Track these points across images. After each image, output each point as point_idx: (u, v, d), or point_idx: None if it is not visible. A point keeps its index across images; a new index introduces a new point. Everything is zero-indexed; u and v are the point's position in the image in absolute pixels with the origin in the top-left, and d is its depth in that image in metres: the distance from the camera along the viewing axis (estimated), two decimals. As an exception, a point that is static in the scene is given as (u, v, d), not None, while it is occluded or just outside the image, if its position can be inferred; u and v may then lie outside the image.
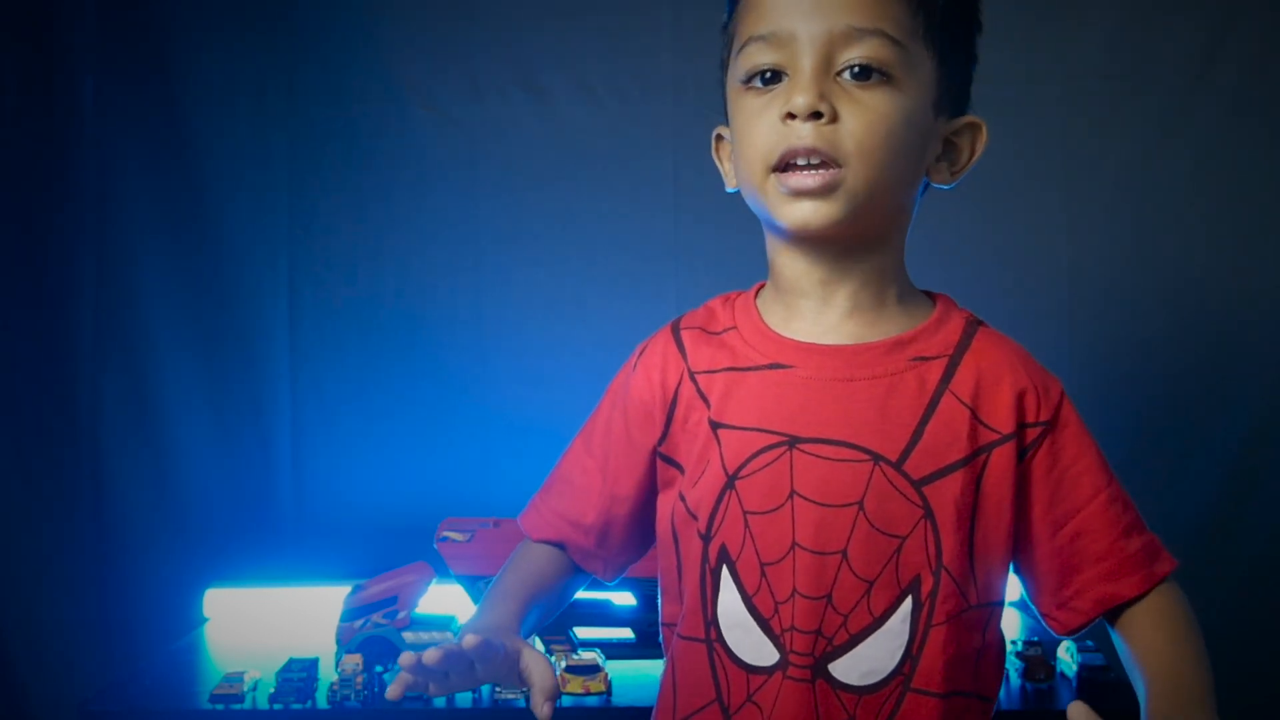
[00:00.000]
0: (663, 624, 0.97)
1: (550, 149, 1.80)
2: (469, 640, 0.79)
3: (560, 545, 1.00)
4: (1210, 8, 1.74)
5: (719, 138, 0.98)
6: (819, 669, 0.87)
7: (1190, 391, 1.75)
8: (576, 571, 1.01)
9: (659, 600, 0.98)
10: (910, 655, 0.87)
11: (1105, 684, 1.38)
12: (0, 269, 1.67)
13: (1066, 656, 1.43)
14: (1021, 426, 0.89)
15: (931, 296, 0.96)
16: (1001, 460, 0.89)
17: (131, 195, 1.79)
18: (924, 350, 0.90)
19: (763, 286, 0.97)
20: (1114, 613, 0.91)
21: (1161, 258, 1.76)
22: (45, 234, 1.74)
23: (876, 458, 0.87)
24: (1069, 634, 0.92)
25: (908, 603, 0.87)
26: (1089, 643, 1.44)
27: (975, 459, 0.88)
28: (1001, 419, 0.89)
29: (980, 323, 0.94)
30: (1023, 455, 0.89)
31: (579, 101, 1.80)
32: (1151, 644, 0.87)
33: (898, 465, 0.87)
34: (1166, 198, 1.76)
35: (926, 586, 0.87)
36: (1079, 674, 1.40)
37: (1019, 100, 1.74)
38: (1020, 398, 0.89)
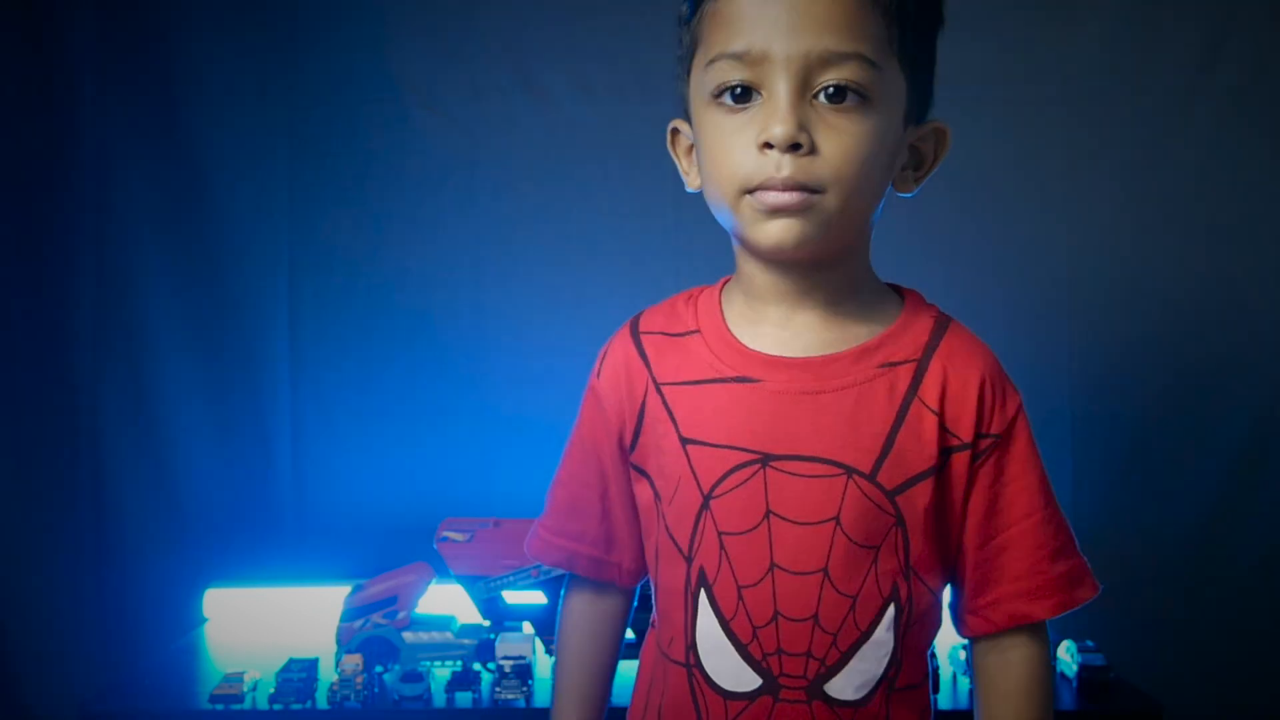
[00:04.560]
0: (652, 623, 0.97)
1: (550, 149, 1.80)
2: None
3: (570, 568, 1.00)
4: (1210, 8, 1.74)
5: (674, 132, 0.95)
6: (814, 690, 0.86)
7: (1190, 391, 1.75)
8: (618, 604, 1.01)
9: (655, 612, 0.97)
10: (895, 660, 0.88)
11: (1105, 684, 1.38)
12: (0, 269, 1.67)
13: (1066, 656, 1.43)
14: (978, 435, 0.88)
15: (900, 293, 0.94)
16: (960, 464, 0.88)
17: (131, 195, 1.79)
18: (891, 355, 0.89)
19: (728, 281, 0.95)
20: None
21: (1162, 257, 1.76)
22: (45, 234, 1.74)
23: (850, 471, 0.86)
24: (971, 637, 0.92)
25: (891, 610, 0.87)
26: (1089, 643, 1.44)
27: (940, 463, 0.88)
28: (964, 426, 0.88)
29: (949, 320, 0.92)
30: (973, 460, 0.89)
31: (579, 101, 1.80)
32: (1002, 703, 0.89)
33: (871, 477, 0.86)
34: (1167, 197, 1.76)
35: (903, 591, 0.87)
36: (1079, 674, 1.40)
37: (1019, 100, 1.74)
38: (980, 406, 0.88)
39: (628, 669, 1.39)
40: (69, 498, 1.76)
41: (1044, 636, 0.91)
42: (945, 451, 0.88)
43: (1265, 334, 1.74)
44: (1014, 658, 0.90)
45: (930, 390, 0.88)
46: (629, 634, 1.47)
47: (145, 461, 1.81)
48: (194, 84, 1.79)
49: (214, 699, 1.34)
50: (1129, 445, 1.75)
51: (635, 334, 0.96)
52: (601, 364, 0.97)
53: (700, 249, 1.75)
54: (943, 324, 0.91)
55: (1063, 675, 1.43)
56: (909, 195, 0.92)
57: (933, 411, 0.87)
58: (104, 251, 1.79)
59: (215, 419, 1.82)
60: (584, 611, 1.01)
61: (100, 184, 1.79)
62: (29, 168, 1.71)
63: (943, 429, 0.88)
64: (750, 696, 0.87)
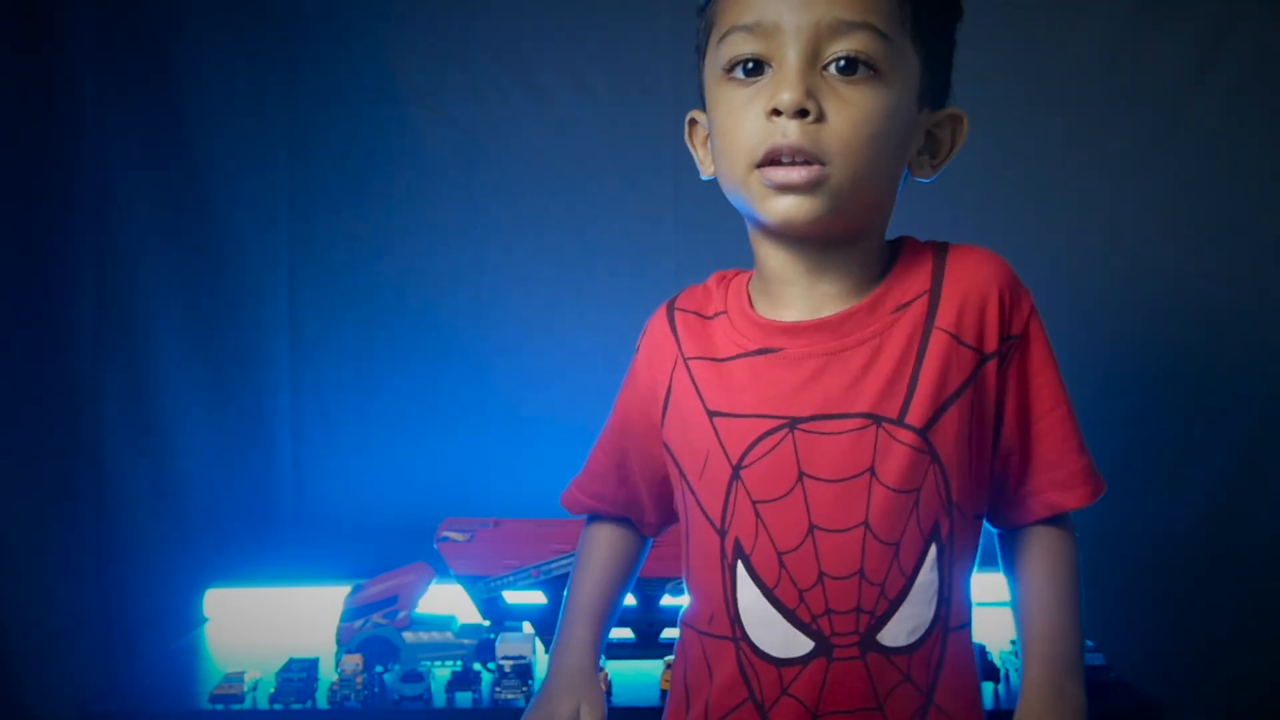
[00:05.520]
0: (683, 622, 0.96)
1: (550, 149, 1.80)
2: None
3: (596, 513, 1.06)
4: (1208, 9, 1.74)
5: (692, 123, 0.96)
6: (867, 643, 0.86)
7: (1189, 392, 1.75)
8: (637, 538, 1.06)
9: (689, 595, 0.96)
10: (944, 598, 0.87)
11: (1105, 684, 1.38)
12: (0, 269, 1.67)
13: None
14: (1002, 340, 0.89)
15: (895, 244, 0.95)
16: (990, 374, 0.89)
17: (131, 195, 1.79)
18: (902, 296, 0.90)
19: None
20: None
21: (1161, 257, 1.76)
22: (45, 234, 1.74)
23: (878, 420, 0.86)
24: (1008, 528, 0.94)
25: (933, 550, 0.87)
26: (1088, 643, 1.43)
27: (969, 384, 0.88)
28: (989, 338, 0.89)
29: (946, 244, 0.93)
30: (1000, 366, 0.90)
31: (579, 101, 1.80)
32: (1043, 580, 0.92)
33: (900, 421, 0.86)
34: (1166, 196, 1.76)
35: (944, 528, 0.87)
36: (1079, 674, 1.40)
37: (1017, 99, 1.74)
38: (1001, 312, 0.89)
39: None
40: (69, 498, 1.76)
41: (1072, 527, 0.94)
42: (974, 370, 0.88)
43: (1265, 334, 1.74)
44: (1055, 542, 0.92)
45: (947, 314, 0.88)
46: (629, 633, 1.47)
47: (145, 461, 1.81)
48: (194, 84, 1.79)
49: (214, 699, 1.34)
50: (1128, 445, 1.75)
51: (670, 311, 0.99)
52: (642, 339, 1.00)
53: (700, 249, 1.76)
54: (942, 249, 0.92)
55: (1063, 675, 1.42)
56: (927, 181, 0.93)
57: (951, 335, 0.88)
58: (104, 251, 1.79)
59: (215, 419, 1.82)
60: (607, 535, 1.05)
61: (100, 184, 1.79)
62: (29, 168, 1.71)
63: (965, 347, 0.88)
64: (803, 661, 0.87)
